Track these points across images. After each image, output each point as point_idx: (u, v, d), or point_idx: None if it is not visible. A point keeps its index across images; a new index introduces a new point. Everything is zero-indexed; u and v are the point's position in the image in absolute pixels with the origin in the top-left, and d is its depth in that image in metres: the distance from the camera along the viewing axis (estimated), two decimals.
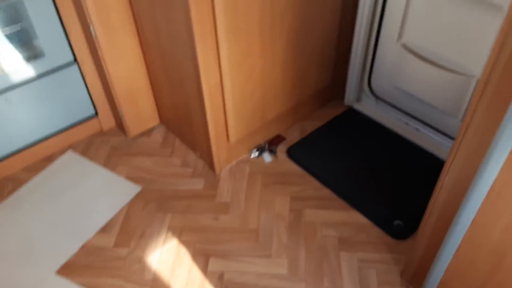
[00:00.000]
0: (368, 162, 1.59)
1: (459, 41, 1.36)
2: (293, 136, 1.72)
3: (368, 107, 1.82)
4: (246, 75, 1.39)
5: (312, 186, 1.51)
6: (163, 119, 1.75)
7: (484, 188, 0.84)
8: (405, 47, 1.53)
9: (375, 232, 1.36)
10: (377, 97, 1.78)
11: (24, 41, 1.41)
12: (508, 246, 0.86)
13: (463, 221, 0.91)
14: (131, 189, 1.51)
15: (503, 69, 0.74)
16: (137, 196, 1.49)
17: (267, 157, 1.63)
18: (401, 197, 1.45)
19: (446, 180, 0.95)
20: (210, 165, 1.57)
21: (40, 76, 1.48)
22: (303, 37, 1.48)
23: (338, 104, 1.86)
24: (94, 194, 1.49)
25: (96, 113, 1.70)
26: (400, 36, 1.53)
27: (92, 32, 1.39)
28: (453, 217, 0.95)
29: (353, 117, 1.80)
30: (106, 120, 1.73)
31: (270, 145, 1.68)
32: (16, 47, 1.40)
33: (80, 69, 1.55)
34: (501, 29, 0.71)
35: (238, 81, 1.38)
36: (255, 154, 1.64)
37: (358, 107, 1.84)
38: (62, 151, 1.66)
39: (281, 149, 1.66)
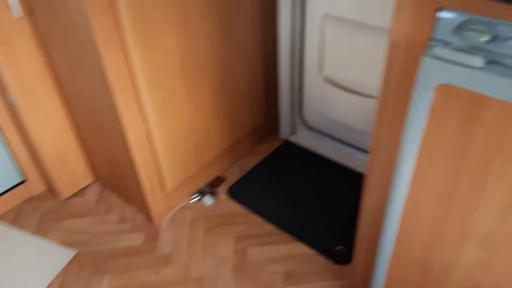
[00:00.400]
0: (307, 191, 1.61)
1: (369, 68, 1.45)
2: (234, 175, 1.72)
3: (303, 138, 1.87)
4: (174, 123, 1.39)
5: (255, 224, 1.50)
6: (98, 176, 1.70)
7: (398, 207, 0.87)
8: (326, 80, 1.61)
9: (320, 260, 1.36)
10: (310, 128, 1.84)
11: None
12: (430, 261, 0.89)
13: (388, 241, 0.93)
14: (65, 255, 1.43)
15: (395, 88, 0.79)
16: (73, 261, 1.41)
17: (208, 200, 1.61)
18: (341, 222, 1.48)
19: (367, 203, 0.98)
20: (149, 217, 1.53)
21: None
22: (229, 81, 1.52)
23: (275, 138, 1.90)
24: (26, 266, 1.40)
25: (25, 180, 1.62)
26: (320, 70, 1.61)
27: (10, 99, 1.35)
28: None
29: (290, 149, 1.84)
30: (36, 185, 1.66)
31: (211, 188, 1.67)
32: None
33: (3, 136, 1.49)
34: (387, 51, 0.77)
35: (166, 129, 1.38)
36: (195, 199, 1.62)
37: (294, 139, 1.88)
38: None
39: (223, 190, 1.66)
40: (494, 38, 0.65)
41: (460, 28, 0.67)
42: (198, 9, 1.28)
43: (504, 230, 0.75)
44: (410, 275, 0.95)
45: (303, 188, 1.64)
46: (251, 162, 1.78)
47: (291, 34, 1.58)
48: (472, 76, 0.65)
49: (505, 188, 0.70)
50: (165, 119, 1.35)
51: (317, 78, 1.64)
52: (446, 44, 0.69)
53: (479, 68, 0.65)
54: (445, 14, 0.67)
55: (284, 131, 1.88)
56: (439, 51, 0.67)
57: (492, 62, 0.66)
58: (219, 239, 1.46)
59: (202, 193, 1.64)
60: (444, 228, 0.83)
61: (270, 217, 1.52)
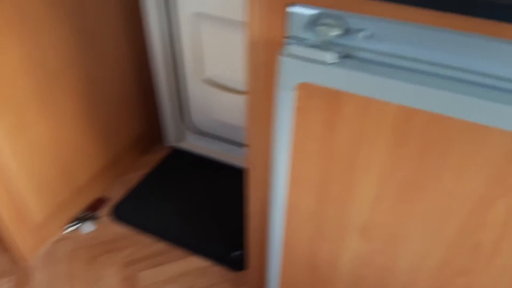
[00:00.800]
0: (200, 200, 1.54)
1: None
2: (118, 193, 1.57)
3: (193, 144, 1.79)
4: (32, 146, 1.20)
5: (144, 244, 1.38)
6: None
7: (280, 208, 0.84)
8: (207, 82, 1.55)
9: (217, 271, 1.30)
10: (198, 132, 1.76)
11: None
12: (317, 259, 0.88)
13: (276, 243, 0.90)
14: None
15: (260, 87, 0.75)
16: None
17: (88, 226, 1.44)
18: (238, 226, 1.43)
19: (252, 206, 0.94)
20: (15, 257, 1.31)
21: None
22: (96, 92, 1.37)
23: (161, 147, 1.78)
24: None
25: None
26: (201, 72, 1.54)
27: None
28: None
29: (179, 157, 1.75)
30: None
31: (91, 212, 1.50)
32: None
33: None
34: (246, 50, 0.72)
35: (22, 155, 1.18)
36: (73, 227, 1.44)
37: (183, 145, 1.79)
38: None
39: (105, 212, 1.50)
40: (346, 32, 0.64)
41: (312, 24, 0.65)
42: (45, 19, 1.11)
43: (378, 220, 0.76)
44: (301, 275, 0.94)
45: (195, 196, 1.56)
46: (136, 176, 1.64)
47: (162, 36, 1.49)
48: (328, 73, 0.63)
49: (372, 180, 0.71)
50: (19, 144, 1.16)
51: (199, 81, 1.57)
52: (300, 41, 0.66)
53: (333, 64, 0.63)
54: (295, 9, 0.64)
55: (170, 138, 1.78)
56: (294, 49, 0.65)
57: (346, 57, 0.65)
58: (104, 269, 1.31)
59: (80, 219, 1.46)
60: (324, 225, 0.82)
61: (160, 234, 1.41)
